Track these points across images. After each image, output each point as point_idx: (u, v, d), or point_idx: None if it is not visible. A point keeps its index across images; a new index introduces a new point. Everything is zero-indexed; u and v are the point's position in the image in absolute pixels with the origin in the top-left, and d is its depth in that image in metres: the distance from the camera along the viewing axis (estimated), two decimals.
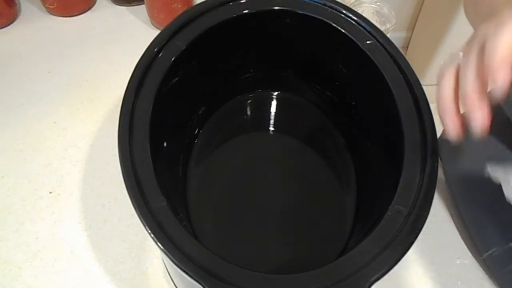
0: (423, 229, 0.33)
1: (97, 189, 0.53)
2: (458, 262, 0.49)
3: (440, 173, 0.38)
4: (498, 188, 0.27)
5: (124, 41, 0.67)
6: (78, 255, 0.48)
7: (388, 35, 0.43)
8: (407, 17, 0.72)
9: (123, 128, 0.36)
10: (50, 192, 0.53)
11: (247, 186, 0.48)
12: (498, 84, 0.26)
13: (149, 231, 0.31)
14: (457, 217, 0.52)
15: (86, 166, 0.54)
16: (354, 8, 0.44)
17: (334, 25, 0.43)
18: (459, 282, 0.48)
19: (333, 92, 0.50)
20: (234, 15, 0.43)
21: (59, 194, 0.52)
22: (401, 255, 0.32)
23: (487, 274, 0.48)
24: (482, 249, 0.48)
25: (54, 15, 0.69)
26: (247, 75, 0.52)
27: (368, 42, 0.42)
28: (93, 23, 0.69)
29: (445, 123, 0.31)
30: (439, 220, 0.52)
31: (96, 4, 0.71)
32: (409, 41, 0.75)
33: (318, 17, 0.43)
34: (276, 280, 0.32)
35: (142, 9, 0.69)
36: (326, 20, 0.43)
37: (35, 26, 0.68)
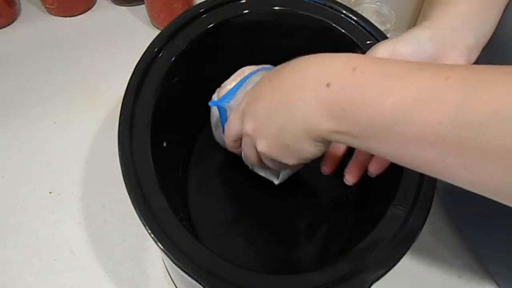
0: (423, 229, 0.33)
1: (97, 189, 0.53)
2: (458, 262, 0.49)
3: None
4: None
5: (124, 41, 0.67)
6: (78, 255, 0.48)
7: (388, 35, 0.43)
8: (407, 17, 0.72)
9: (123, 128, 0.36)
10: (50, 192, 0.52)
11: (247, 186, 0.48)
12: None
13: (149, 231, 0.31)
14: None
15: (86, 166, 0.54)
16: (354, 8, 0.44)
17: (334, 25, 0.43)
18: (459, 282, 0.48)
19: None
20: (234, 15, 0.43)
21: (59, 194, 0.52)
22: (401, 255, 0.32)
23: (487, 274, 0.48)
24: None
25: (54, 15, 0.69)
26: None
27: (368, 42, 0.42)
28: (93, 23, 0.69)
29: None
30: (439, 220, 0.52)
31: (96, 4, 0.71)
32: None
33: (318, 17, 0.43)
34: (276, 280, 0.32)
35: (142, 9, 0.69)
36: (326, 20, 0.43)
37: (35, 26, 0.68)
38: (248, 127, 0.33)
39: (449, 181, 0.24)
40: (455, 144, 0.22)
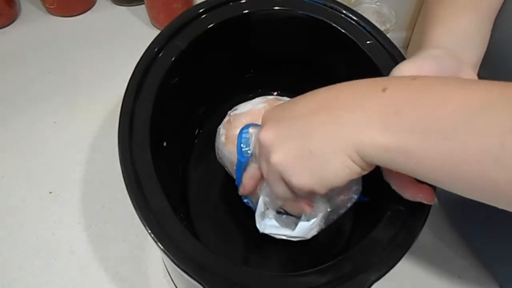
0: (423, 229, 0.33)
1: (97, 189, 0.53)
2: (457, 262, 0.49)
3: None
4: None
5: (124, 41, 0.67)
6: (78, 255, 0.48)
7: (388, 35, 0.43)
8: (407, 17, 0.72)
9: (123, 128, 0.36)
10: (50, 192, 0.52)
11: None
12: None
13: (149, 231, 0.31)
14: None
15: (86, 166, 0.54)
16: (354, 8, 0.44)
17: (334, 25, 0.43)
18: (459, 282, 0.48)
19: None
20: (234, 15, 0.43)
21: (59, 194, 0.52)
22: (401, 255, 0.32)
23: (487, 274, 0.48)
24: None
25: (54, 15, 0.69)
26: (247, 75, 0.52)
27: (368, 42, 0.42)
28: (93, 23, 0.69)
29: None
30: (439, 220, 0.52)
31: (96, 4, 0.71)
32: (409, 41, 0.75)
33: (318, 17, 0.43)
34: (276, 279, 0.32)
35: (142, 9, 0.69)
36: (326, 20, 0.43)
37: (35, 26, 0.68)
38: (267, 135, 0.28)
39: (507, 206, 0.22)
40: None
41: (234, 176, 0.43)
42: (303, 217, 0.36)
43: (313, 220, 0.35)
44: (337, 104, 0.26)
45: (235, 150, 0.39)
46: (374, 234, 0.33)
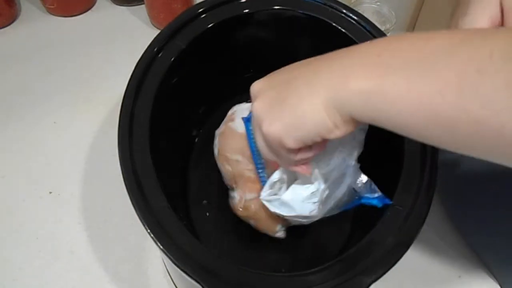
0: (423, 228, 0.33)
1: (97, 189, 0.53)
2: (458, 261, 0.49)
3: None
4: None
5: (124, 41, 0.67)
6: (78, 255, 0.48)
7: (388, 35, 0.43)
8: (407, 17, 0.72)
9: (123, 128, 0.36)
10: (50, 192, 0.52)
11: None
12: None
13: (149, 231, 0.31)
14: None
15: (86, 166, 0.54)
16: (354, 8, 0.44)
17: (334, 24, 0.43)
18: (459, 282, 0.48)
19: None
20: (234, 15, 0.43)
21: (59, 194, 0.52)
22: (401, 255, 0.32)
23: (487, 274, 0.48)
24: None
25: (54, 15, 0.69)
26: (247, 75, 0.52)
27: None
28: (93, 23, 0.69)
29: None
30: (439, 220, 0.52)
31: (96, 4, 0.71)
32: None
33: (318, 17, 0.43)
34: (276, 280, 0.32)
35: (142, 9, 0.69)
36: (326, 20, 0.43)
37: (35, 26, 0.68)
38: (256, 85, 0.29)
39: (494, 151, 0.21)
40: (504, 78, 0.19)
41: (229, 186, 0.43)
42: (298, 181, 0.34)
43: (307, 185, 0.33)
44: (325, 56, 0.27)
45: (228, 167, 0.41)
46: (374, 234, 0.34)
